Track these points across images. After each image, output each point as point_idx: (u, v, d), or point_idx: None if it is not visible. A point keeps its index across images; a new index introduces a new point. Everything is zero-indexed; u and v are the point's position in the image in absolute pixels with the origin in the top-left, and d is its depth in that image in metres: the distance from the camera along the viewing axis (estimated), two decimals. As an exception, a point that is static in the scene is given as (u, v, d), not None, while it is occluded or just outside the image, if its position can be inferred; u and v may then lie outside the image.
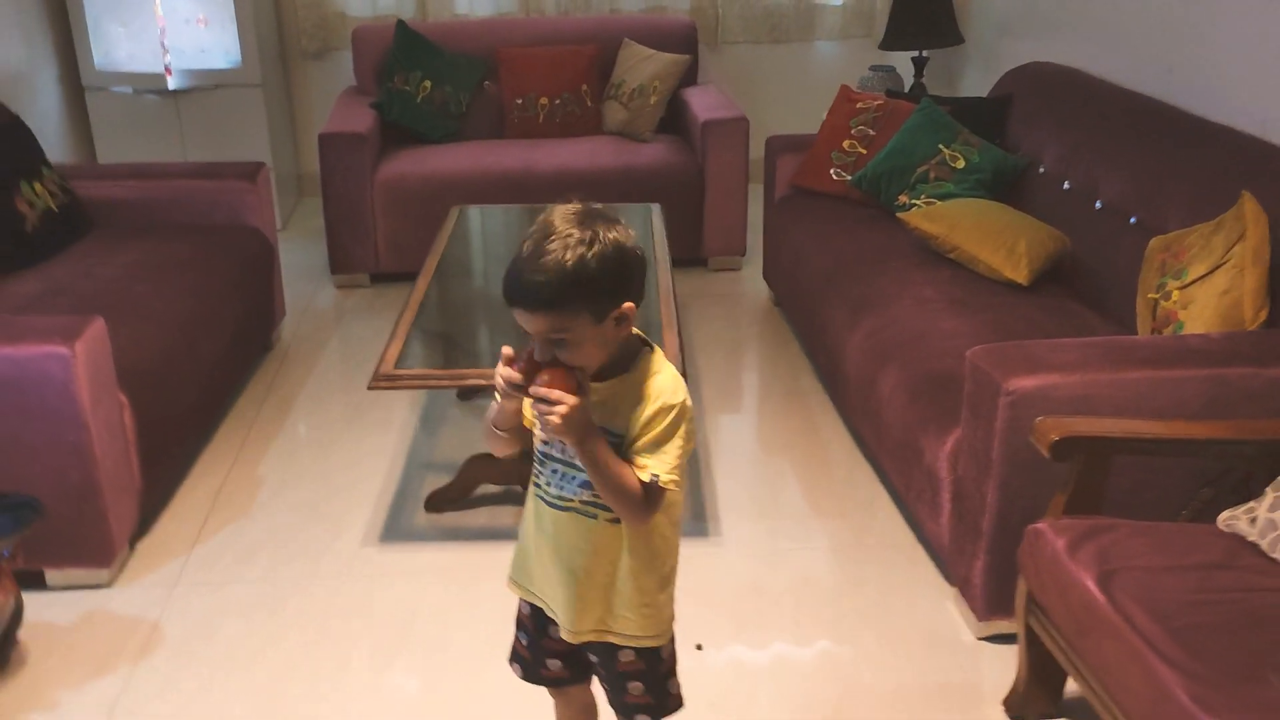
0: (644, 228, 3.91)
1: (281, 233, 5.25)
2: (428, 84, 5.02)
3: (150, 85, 5.12)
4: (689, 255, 4.86)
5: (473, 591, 2.77)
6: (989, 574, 2.50)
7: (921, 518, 2.79)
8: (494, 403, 1.71)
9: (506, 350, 1.62)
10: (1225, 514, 2.14)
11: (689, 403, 1.66)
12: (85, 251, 3.64)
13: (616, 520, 1.69)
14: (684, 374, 2.72)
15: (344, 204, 4.64)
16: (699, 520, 3.08)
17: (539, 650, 1.90)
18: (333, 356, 4.18)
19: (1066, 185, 3.56)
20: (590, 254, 1.53)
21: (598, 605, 1.76)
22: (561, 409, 1.54)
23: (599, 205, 1.60)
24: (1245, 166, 2.89)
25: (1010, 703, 2.37)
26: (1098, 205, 3.35)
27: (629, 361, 1.66)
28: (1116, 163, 3.36)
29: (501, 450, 1.77)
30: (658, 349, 1.70)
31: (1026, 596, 2.24)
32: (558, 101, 5.11)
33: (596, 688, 1.95)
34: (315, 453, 3.47)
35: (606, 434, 1.64)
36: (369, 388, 2.82)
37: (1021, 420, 2.31)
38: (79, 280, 3.38)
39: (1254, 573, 1.98)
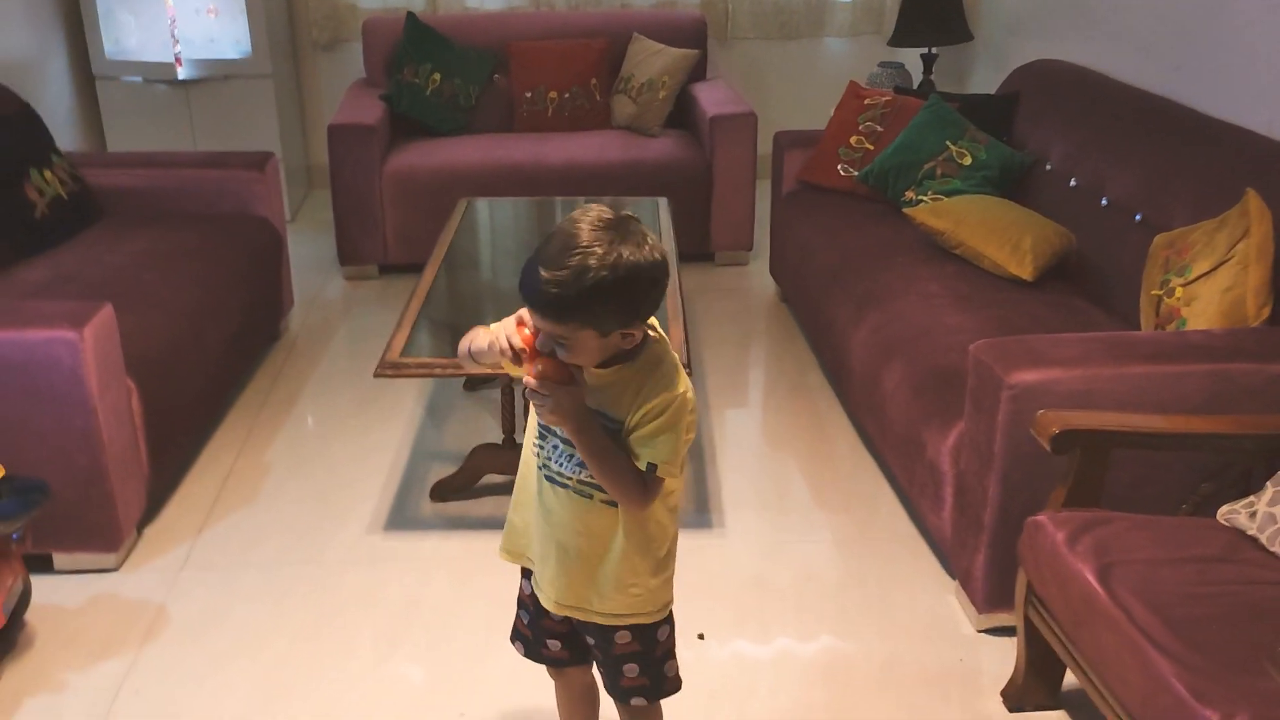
0: (651, 222, 3.92)
1: (291, 224, 5.27)
2: (437, 76, 5.04)
3: (160, 75, 5.14)
4: (696, 250, 4.87)
5: (477, 580, 2.79)
6: (990, 567, 2.51)
7: (924, 511, 2.80)
8: (483, 335, 1.68)
9: (524, 314, 1.63)
10: (1225, 508, 2.15)
11: (690, 394, 1.66)
12: (94, 239, 3.66)
13: (612, 503, 1.70)
14: (689, 368, 2.75)
15: (353, 195, 4.66)
16: (703, 512, 3.09)
17: (539, 630, 1.92)
18: (340, 347, 4.20)
19: (1073, 182, 3.56)
20: (608, 279, 1.51)
21: (582, 583, 1.76)
22: (552, 403, 1.57)
23: (629, 213, 1.58)
24: (1251, 165, 2.89)
25: (1009, 694, 2.38)
26: (1104, 202, 3.36)
27: (633, 350, 1.66)
28: (1123, 160, 3.37)
29: (469, 370, 1.76)
30: (663, 337, 1.70)
31: (1026, 588, 2.25)
32: (567, 95, 5.13)
33: (598, 673, 1.96)
34: (322, 441, 3.49)
35: (606, 420, 1.65)
36: (375, 375, 2.84)
37: (1023, 414, 2.31)
38: (88, 267, 3.40)
39: (1253, 566, 1.99)
